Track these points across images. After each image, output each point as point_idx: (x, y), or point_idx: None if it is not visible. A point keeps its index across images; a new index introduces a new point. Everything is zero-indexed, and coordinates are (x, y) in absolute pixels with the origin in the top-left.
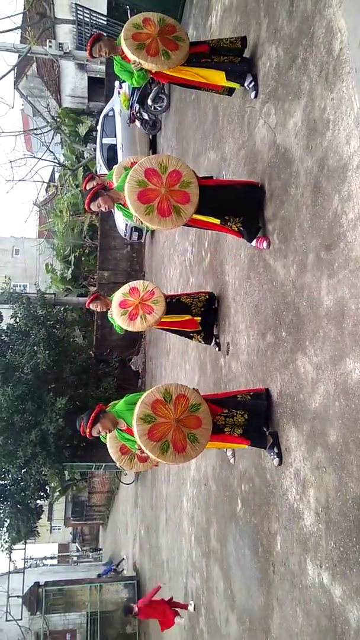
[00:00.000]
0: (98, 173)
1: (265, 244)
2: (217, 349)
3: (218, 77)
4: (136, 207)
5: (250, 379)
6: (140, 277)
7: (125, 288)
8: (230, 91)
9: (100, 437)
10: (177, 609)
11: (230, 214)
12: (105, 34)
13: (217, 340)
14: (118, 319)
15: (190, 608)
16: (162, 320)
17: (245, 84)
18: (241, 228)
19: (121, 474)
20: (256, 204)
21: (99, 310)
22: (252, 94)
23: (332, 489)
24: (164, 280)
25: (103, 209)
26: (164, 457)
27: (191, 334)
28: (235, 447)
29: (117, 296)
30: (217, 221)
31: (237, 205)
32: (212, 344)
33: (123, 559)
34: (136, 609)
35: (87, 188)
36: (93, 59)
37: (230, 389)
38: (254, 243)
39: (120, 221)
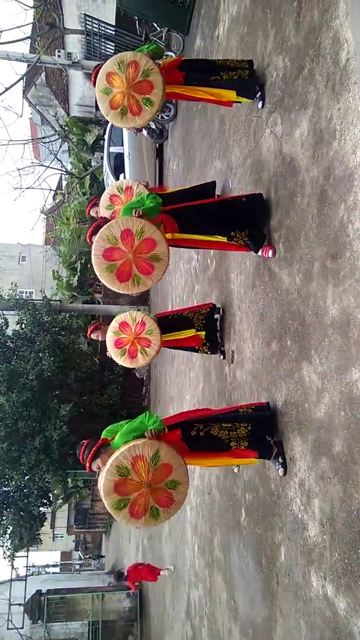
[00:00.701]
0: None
1: (270, 253)
2: (221, 357)
3: (230, 95)
4: (124, 287)
5: (254, 387)
6: None
7: (114, 326)
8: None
9: None
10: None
11: (235, 229)
12: (113, 44)
13: (222, 348)
14: (119, 360)
15: (171, 567)
16: (167, 339)
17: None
18: (248, 242)
19: None
20: (259, 214)
21: (100, 339)
22: (259, 104)
23: (337, 499)
24: (169, 288)
25: None
26: (159, 520)
27: (197, 348)
28: (247, 463)
29: (110, 337)
30: (224, 239)
31: (240, 219)
32: (217, 352)
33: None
34: (126, 573)
35: (91, 214)
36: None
37: (235, 398)
38: (259, 252)
39: None
